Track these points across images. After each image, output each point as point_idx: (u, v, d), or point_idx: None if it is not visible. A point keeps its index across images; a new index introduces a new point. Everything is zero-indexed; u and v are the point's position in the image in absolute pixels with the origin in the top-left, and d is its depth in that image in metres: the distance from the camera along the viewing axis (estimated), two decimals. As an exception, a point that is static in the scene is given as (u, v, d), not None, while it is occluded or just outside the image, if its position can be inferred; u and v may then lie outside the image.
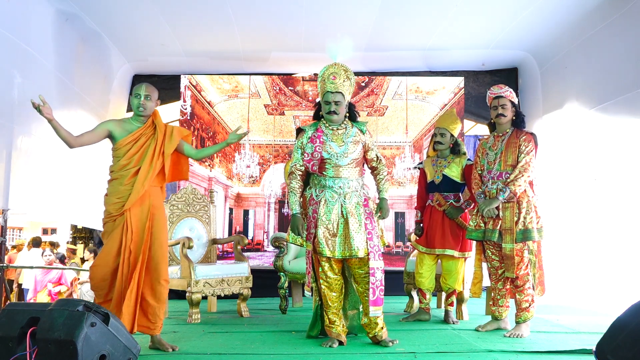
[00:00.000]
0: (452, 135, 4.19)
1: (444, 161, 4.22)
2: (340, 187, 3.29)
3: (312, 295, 3.49)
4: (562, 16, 4.94)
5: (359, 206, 3.28)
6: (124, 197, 3.12)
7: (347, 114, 3.38)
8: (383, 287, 3.23)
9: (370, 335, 3.32)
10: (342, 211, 3.25)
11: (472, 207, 4.11)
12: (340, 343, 3.28)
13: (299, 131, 3.46)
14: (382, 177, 3.44)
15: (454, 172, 4.16)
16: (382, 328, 3.29)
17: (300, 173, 3.37)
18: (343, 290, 3.41)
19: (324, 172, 3.31)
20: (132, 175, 3.15)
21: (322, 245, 3.22)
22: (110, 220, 3.14)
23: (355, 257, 3.21)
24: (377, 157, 3.45)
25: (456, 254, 4.08)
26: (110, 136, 3.22)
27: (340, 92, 3.26)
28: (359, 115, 3.49)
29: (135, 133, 3.20)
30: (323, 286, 3.31)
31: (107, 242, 3.13)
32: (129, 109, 6.33)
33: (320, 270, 3.31)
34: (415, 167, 4.16)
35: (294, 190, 3.35)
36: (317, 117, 3.44)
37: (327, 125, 3.35)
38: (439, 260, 4.21)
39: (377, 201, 3.42)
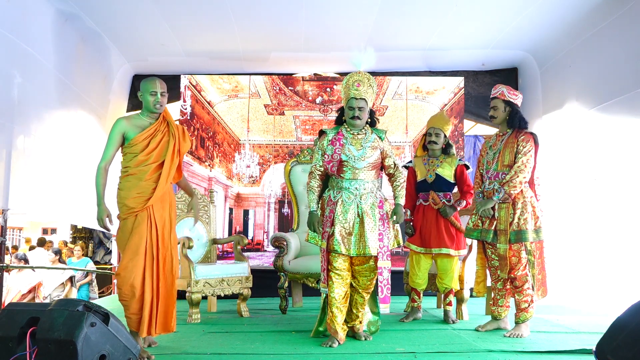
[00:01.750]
0: (445, 136, 4.23)
1: (436, 161, 4.24)
2: (356, 188, 3.41)
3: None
4: (562, 16, 4.93)
5: (374, 207, 3.41)
6: (145, 192, 3.06)
7: (369, 120, 3.51)
8: (390, 286, 3.36)
9: (349, 325, 3.48)
10: (358, 211, 3.38)
11: (463, 206, 4.17)
12: (338, 342, 3.30)
13: (321, 133, 3.58)
14: (398, 184, 3.54)
15: (447, 172, 4.18)
16: (360, 322, 3.50)
17: (319, 173, 3.50)
18: (348, 292, 3.45)
19: (341, 175, 3.43)
20: (153, 170, 3.10)
21: (337, 243, 3.32)
22: (130, 215, 3.05)
23: (368, 255, 3.34)
24: (394, 164, 3.55)
25: (452, 252, 4.10)
26: (123, 137, 3.14)
27: (364, 99, 3.40)
28: (379, 122, 3.63)
29: (150, 129, 3.12)
30: (334, 279, 3.37)
31: (132, 238, 3.03)
32: (129, 109, 6.32)
33: (331, 266, 3.38)
34: (404, 166, 4.20)
35: (312, 189, 3.48)
36: (339, 121, 3.57)
37: (348, 129, 3.48)
38: (433, 260, 4.22)
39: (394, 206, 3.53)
